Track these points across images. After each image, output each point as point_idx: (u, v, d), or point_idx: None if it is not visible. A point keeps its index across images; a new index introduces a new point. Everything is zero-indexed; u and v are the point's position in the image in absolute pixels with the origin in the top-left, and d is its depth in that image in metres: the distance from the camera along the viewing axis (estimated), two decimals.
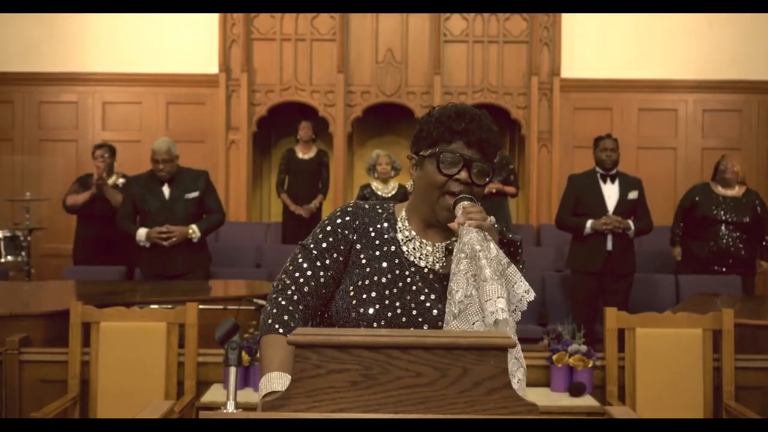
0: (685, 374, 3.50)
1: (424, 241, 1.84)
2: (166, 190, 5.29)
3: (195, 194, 5.29)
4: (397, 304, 1.78)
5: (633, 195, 5.46)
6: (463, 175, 1.76)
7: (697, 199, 5.85)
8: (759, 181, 8.08)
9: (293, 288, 1.80)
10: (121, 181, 5.92)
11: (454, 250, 1.68)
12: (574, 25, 8.02)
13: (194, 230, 5.21)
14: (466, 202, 1.73)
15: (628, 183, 5.50)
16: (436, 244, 1.84)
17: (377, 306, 1.77)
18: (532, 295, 1.66)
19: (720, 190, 5.89)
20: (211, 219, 5.34)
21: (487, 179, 1.79)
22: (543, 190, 7.95)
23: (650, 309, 4.07)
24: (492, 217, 1.75)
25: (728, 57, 8.01)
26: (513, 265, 1.68)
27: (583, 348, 3.53)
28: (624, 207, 5.42)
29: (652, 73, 8.03)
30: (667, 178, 7.86)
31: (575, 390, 3.45)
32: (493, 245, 1.65)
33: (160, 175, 5.26)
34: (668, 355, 3.51)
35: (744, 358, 3.57)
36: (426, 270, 1.82)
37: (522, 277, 1.68)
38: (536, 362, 3.57)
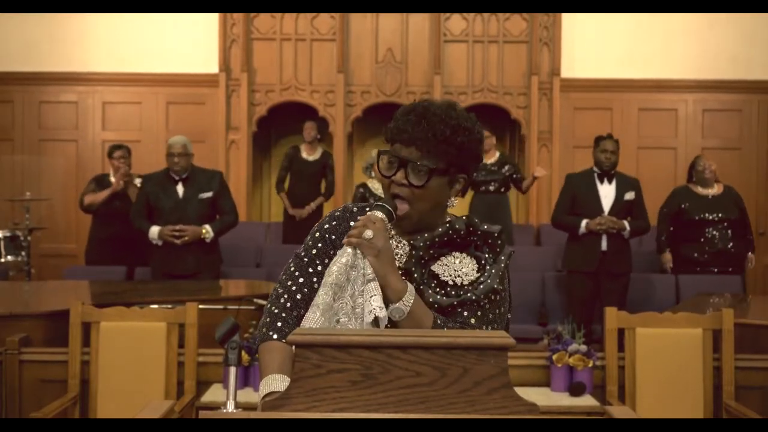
0: (685, 374, 3.50)
1: (403, 241, 1.79)
2: (180, 189, 5.30)
3: (209, 194, 5.32)
4: None
5: (629, 195, 5.43)
6: (399, 176, 1.73)
7: (683, 204, 5.78)
8: (759, 181, 8.09)
9: (286, 296, 1.79)
10: (138, 180, 5.91)
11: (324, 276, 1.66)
12: (574, 25, 8.02)
13: (208, 230, 5.23)
14: (374, 213, 1.70)
15: (625, 183, 5.48)
16: (412, 242, 1.77)
17: None
18: (382, 313, 1.59)
19: (701, 190, 5.85)
20: (225, 220, 5.37)
21: (428, 179, 1.71)
22: (543, 190, 7.94)
23: (649, 309, 4.07)
24: (369, 231, 1.65)
25: (728, 57, 8.01)
26: (372, 283, 1.62)
27: (583, 348, 3.53)
28: (620, 207, 5.39)
29: (652, 73, 8.03)
30: (667, 178, 7.83)
31: (575, 390, 3.45)
32: (362, 262, 1.63)
33: (175, 170, 5.27)
34: (668, 355, 3.51)
35: (744, 358, 3.57)
36: (400, 272, 1.73)
37: (376, 296, 1.61)
38: (536, 362, 3.56)
